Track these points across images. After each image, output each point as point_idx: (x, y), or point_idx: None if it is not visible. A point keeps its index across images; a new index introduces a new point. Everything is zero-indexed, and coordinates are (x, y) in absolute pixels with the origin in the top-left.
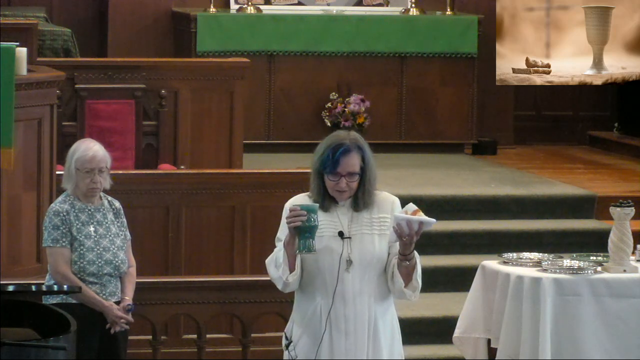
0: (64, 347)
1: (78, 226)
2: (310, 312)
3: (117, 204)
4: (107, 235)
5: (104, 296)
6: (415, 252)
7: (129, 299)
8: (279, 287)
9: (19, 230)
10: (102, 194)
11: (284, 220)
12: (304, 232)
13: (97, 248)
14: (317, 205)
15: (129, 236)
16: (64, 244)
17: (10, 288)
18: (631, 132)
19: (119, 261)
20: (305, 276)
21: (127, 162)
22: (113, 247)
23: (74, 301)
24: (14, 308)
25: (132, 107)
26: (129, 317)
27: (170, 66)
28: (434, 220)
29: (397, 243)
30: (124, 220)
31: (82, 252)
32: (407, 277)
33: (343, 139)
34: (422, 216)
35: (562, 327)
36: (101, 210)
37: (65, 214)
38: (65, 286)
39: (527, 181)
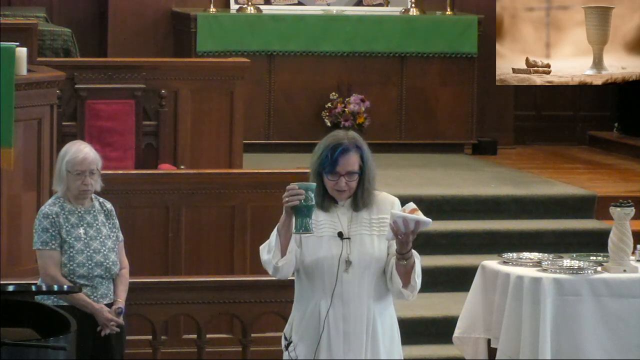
0: (64, 347)
1: (67, 228)
2: (309, 313)
3: (108, 205)
4: (98, 237)
5: (95, 298)
6: (416, 252)
7: (121, 301)
8: (270, 271)
9: (19, 230)
10: (93, 195)
11: None
12: (301, 211)
13: (87, 250)
14: (315, 184)
15: (121, 238)
16: (53, 246)
17: (10, 288)
18: (631, 132)
19: (110, 263)
20: (304, 277)
21: (127, 162)
22: (104, 249)
23: (65, 303)
24: (14, 308)
25: (132, 107)
26: (120, 320)
27: (170, 66)
28: (430, 220)
29: (395, 241)
30: (116, 221)
31: (71, 254)
32: (406, 277)
33: (341, 138)
34: (419, 215)
35: (562, 327)
36: (92, 212)
37: (54, 216)
38: (65, 286)
39: (527, 181)
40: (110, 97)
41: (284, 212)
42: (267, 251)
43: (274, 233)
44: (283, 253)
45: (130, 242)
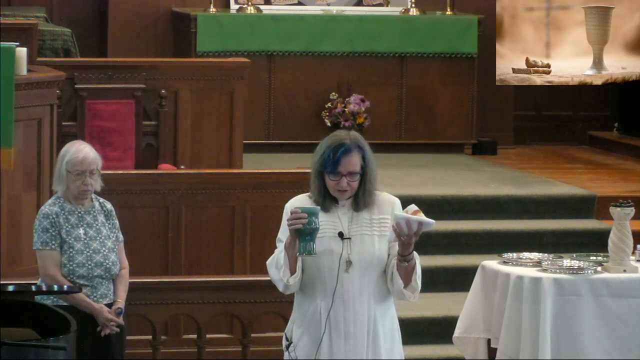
0: (64, 347)
1: (67, 229)
2: (310, 313)
3: (108, 205)
4: (98, 238)
5: (95, 298)
6: (415, 253)
7: (121, 301)
8: (280, 289)
9: (19, 230)
10: (93, 195)
11: (284, 221)
12: (304, 234)
13: (86, 250)
14: (319, 208)
15: (121, 238)
16: (53, 246)
17: (10, 288)
18: (631, 132)
19: (110, 263)
20: (306, 277)
21: (127, 162)
22: (104, 249)
23: (65, 303)
24: (14, 308)
25: (132, 107)
26: (119, 320)
27: (170, 66)
28: (433, 221)
29: (397, 243)
30: (116, 222)
31: (71, 254)
32: (407, 278)
33: (343, 138)
34: (422, 217)
35: (562, 327)
36: (92, 212)
37: (54, 216)
38: (65, 286)
39: (527, 181)
40: (110, 97)
41: (289, 234)
42: (276, 268)
43: (280, 250)
44: (292, 271)
45: (130, 242)
